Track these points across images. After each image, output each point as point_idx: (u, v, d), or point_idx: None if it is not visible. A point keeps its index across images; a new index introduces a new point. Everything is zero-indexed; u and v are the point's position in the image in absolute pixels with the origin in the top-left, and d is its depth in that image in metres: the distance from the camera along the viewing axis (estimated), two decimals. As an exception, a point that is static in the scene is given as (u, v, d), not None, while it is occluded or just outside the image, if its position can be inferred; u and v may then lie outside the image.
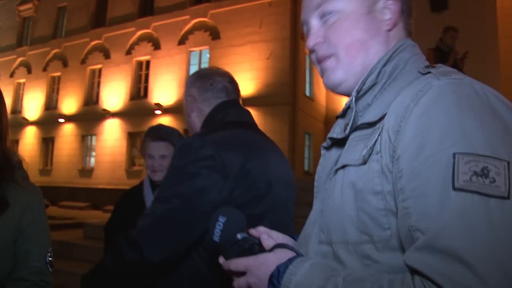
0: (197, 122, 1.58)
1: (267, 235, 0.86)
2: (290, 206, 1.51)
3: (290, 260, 0.74)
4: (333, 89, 0.91)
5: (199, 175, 1.25)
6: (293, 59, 14.30)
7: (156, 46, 17.16)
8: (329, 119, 16.66)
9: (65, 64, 19.82)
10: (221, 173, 1.26)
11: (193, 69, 16.27)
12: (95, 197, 16.52)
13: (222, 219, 0.87)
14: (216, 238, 0.87)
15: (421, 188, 0.60)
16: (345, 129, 0.83)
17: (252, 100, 13.94)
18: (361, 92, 0.82)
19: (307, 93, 15.74)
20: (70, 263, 5.42)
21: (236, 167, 1.29)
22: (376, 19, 0.86)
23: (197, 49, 16.28)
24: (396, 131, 0.68)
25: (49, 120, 19.37)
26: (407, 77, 0.79)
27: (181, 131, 12.25)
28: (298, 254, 0.77)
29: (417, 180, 0.61)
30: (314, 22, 0.92)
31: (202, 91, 1.58)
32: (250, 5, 15.19)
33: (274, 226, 0.99)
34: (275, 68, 14.12)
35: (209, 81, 1.59)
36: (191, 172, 1.25)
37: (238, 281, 0.82)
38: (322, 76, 0.93)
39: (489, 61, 7.89)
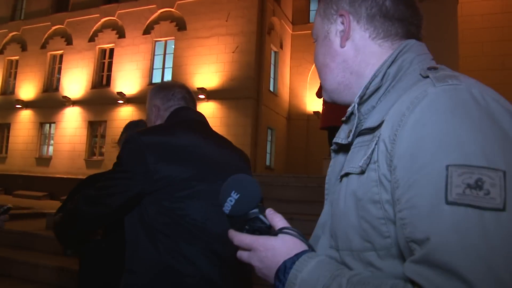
0: None
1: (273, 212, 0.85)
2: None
3: (297, 256, 0.75)
4: (331, 102, 0.96)
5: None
6: (259, 54, 14.33)
7: (121, 34, 16.80)
8: (292, 115, 16.83)
9: (23, 48, 19.08)
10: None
11: (158, 59, 16.07)
12: (53, 186, 16.10)
13: (234, 195, 0.84)
14: (226, 210, 0.85)
15: (414, 200, 0.60)
16: (348, 135, 0.85)
17: (217, 93, 13.92)
18: (365, 97, 0.83)
19: (271, 89, 15.84)
20: (33, 254, 5.30)
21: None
22: (330, 40, 0.91)
23: (163, 39, 16.05)
24: (392, 140, 0.67)
25: (5, 106, 18.61)
26: (410, 78, 0.78)
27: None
28: (307, 245, 0.79)
29: (411, 192, 0.61)
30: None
31: (164, 100, 1.75)
32: (217, -3, 15.13)
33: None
34: (241, 62, 14.12)
35: (170, 92, 1.77)
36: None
37: (241, 254, 0.84)
38: None
39: (450, 65, 8.09)
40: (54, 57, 18.51)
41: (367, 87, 0.82)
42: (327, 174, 0.97)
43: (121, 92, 15.79)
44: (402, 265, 0.62)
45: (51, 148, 17.74)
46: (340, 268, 0.73)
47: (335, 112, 6.05)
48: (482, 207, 0.54)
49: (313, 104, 15.85)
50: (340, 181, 0.82)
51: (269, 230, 0.82)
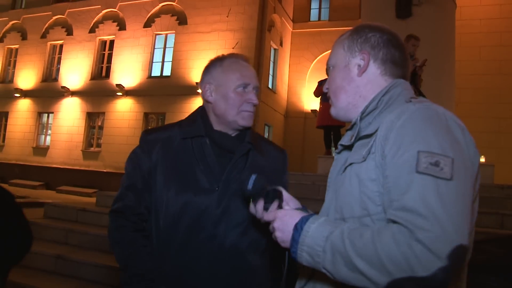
0: None
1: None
2: None
3: (310, 215, 1.04)
4: (336, 118, 1.28)
5: None
6: (259, 51, 14.41)
7: (122, 26, 16.85)
8: (289, 113, 16.92)
9: (23, 37, 19.12)
10: None
11: (158, 52, 16.12)
12: (49, 176, 16.20)
13: (253, 176, 1.22)
14: (249, 187, 1.21)
15: (397, 173, 0.92)
16: (351, 139, 1.16)
17: (215, 89, 13.97)
18: (365, 114, 1.14)
19: (270, 86, 15.92)
20: (36, 244, 5.34)
21: None
22: (350, 69, 1.21)
23: (163, 33, 16.11)
24: (384, 138, 0.99)
25: (4, 94, 18.66)
26: (397, 105, 1.10)
27: (141, 114, 12.10)
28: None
29: (395, 169, 0.92)
30: (328, 72, 1.30)
31: None
32: (219, -8, 15.17)
33: None
34: (240, 59, 14.15)
35: None
36: None
37: (270, 227, 1.12)
38: None
39: (446, 70, 8.17)
40: (54, 47, 18.54)
41: (367, 107, 1.14)
42: (330, 171, 1.27)
43: (120, 84, 15.85)
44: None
45: (48, 138, 17.81)
46: (341, 223, 1.00)
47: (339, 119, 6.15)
48: (438, 176, 0.87)
49: (311, 103, 15.94)
50: (344, 171, 1.12)
51: (281, 197, 1.17)
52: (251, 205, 1.22)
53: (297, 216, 1.05)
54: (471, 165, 0.95)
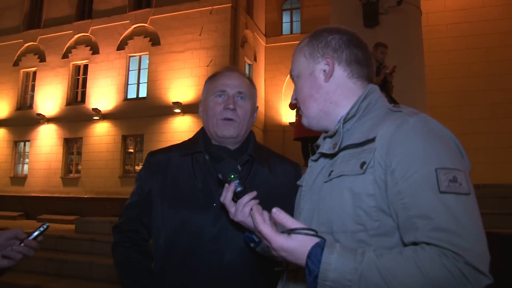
0: None
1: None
2: None
3: (321, 241, 0.92)
4: (308, 128, 1.24)
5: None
6: (234, 67, 14.45)
7: (95, 50, 16.76)
8: (267, 126, 16.97)
9: (-5, 66, 18.85)
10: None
11: (133, 74, 16.07)
12: (29, 205, 15.84)
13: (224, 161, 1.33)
14: (219, 175, 1.30)
15: (415, 191, 0.89)
16: (334, 147, 1.11)
17: (192, 107, 13.98)
18: (345, 120, 1.11)
19: (247, 101, 15.91)
20: (14, 275, 5.17)
21: None
22: (315, 76, 1.18)
23: (137, 54, 16.07)
24: (386, 152, 0.96)
25: (-23, 125, 18.30)
26: (378, 112, 1.09)
27: (119, 137, 12.03)
28: (317, 238, 0.94)
29: (411, 185, 0.90)
30: (293, 83, 1.27)
31: None
32: (190, 12, 15.26)
33: None
34: (216, 76, 14.19)
35: None
36: None
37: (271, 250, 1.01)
38: None
39: (416, 75, 8.31)
40: (27, 74, 18.30)
41: (348, 113, 1.11)
42: (304, 180, 1.22)
43: (96, 109, 15.70)
44: (385, 240, 0.95)
45: (26, 166, 17.44)
46: (357, 248, 0.92)
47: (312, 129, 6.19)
48: (460, 192, 0.87)
49: (288, 116, 16.04)
50: (329, 181, 1.07)
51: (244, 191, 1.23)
52: (223, 193, 1.27)
53: (300, 256, 0.92)
54: (469, 175, 0.96)
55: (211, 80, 1.68)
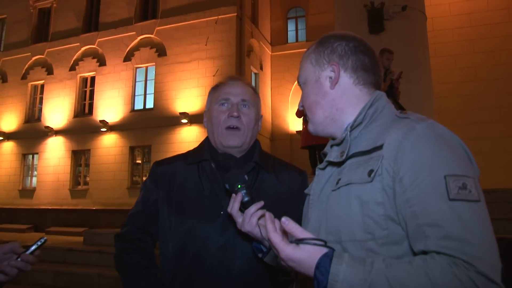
0: None
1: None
2: None
3: (330, 251, 0.91)
4: (315, 134, 1.23)
5: None
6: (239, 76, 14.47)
7: (101, 62, 16.88)
8: (275, 135, 16.95)
9: (4, 80, 18.99)
10: None
11: (139, 85, 16.15)
12: (37, 218, 15.88)
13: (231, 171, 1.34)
14: (226, 185, 1.32)
15: (424, 198, 0.87)
16: (341, 155, 1.10)
17: (199, 117, 13.98)
18: (353, 128, 1.10)
19: (254, 109, 15.89)
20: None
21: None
22: (321, 83, 1.17)
23: (143, 65, 16.16)
24: (394, 159, 0.94)
25: (-13, 138, 18.46)
26: (385, 119, 1.08)
27: (127, 148, 12.08)
28: (326, 248, 0.93)
29: (420, 193, 0.88)
30: (301, 89, 1.27)
31: None
32: (196, 22, 15.33)
33: None
34: (222, 85, 14.21)
35: None
36: None
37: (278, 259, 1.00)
38: None
39: (423, 80, 8.28)
40: (35, 87, 18.46)
41: (354, 121, 1.10)
42: (311, 188, 1.21)
43: (103, 120, 15.79)
44: (394, 249, 0.93)
45: (34, 179, 17.53)
46: (366, 258, 0.90)
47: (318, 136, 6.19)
48: (469, 199, 0.85)
49: (295, 124, 16.00)
50: (337, 189, 1.05)
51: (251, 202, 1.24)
52: (230, 203, 1.27)
53: (308, 266, 0.91)
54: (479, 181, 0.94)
55: (214, 90, 1.69)
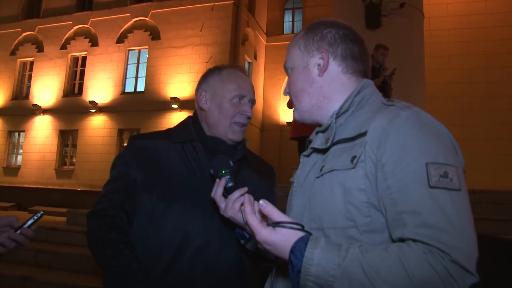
0: None
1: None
2: None
3: (305, 235, 0.90)
4: (301, 122, 1.21)
5: None
6: (233, 64, 14.39)
7: (94, 42, 16.64)
8: (265, 126, 16.93)
9: (-9, 54, 18.69)
10: None
11: (131, 68, 15.97)
12: (21, 196, 15.70)
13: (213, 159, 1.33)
14: (211, 170, 1.31)
15: (405, 185, 0.86)
16: (326, 142, 1.08)
17: (190, 103, 13.90)
18: (338, 115, 1.08)
19: (246, 99, 15.85)
20: (2, 265, 5.10)
21: None
22: (309, 70, 1.15)
23: (136, 48, 15.97)
24: (377, 146, 0.93)
25: (-28, 113, 18.14)
26: (372, 106, 1.06)
27: (115, 130, 11.96)
28: (302, 231, 0.91)
29: (401, 180, 0.87)
30: (287, 75, 1.24)
31: None
32: (192, 7, 15.19)
33: None
34: (215, 72, 14.13)
35: None
36: None
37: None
38: None
39: (416, 78, 8.31)
40: (24, 64, 18.14)
41: (341, 108, 1.09)
42: (295, 176, 1.20)
43: (93, 101, 15.60)
44: (376, 237, 0.92)
45: (19, 157, 17.30)
46: (343, 244, 0.89)
47: (305, 123, 6.16)
48: (450, 188, 0.84)
49: (286, 115, 16.00)
50: (321, 176, 1.04)
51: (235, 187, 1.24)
52: (213, 188, 1.26)
53: (283, 250, 0.90)
54: (462, 171, 0.93)
55: (224, 75, 1.64)
